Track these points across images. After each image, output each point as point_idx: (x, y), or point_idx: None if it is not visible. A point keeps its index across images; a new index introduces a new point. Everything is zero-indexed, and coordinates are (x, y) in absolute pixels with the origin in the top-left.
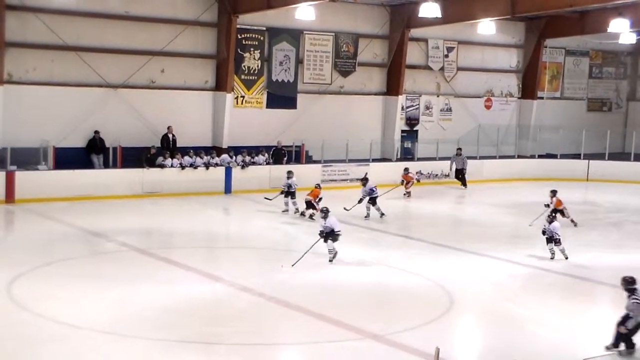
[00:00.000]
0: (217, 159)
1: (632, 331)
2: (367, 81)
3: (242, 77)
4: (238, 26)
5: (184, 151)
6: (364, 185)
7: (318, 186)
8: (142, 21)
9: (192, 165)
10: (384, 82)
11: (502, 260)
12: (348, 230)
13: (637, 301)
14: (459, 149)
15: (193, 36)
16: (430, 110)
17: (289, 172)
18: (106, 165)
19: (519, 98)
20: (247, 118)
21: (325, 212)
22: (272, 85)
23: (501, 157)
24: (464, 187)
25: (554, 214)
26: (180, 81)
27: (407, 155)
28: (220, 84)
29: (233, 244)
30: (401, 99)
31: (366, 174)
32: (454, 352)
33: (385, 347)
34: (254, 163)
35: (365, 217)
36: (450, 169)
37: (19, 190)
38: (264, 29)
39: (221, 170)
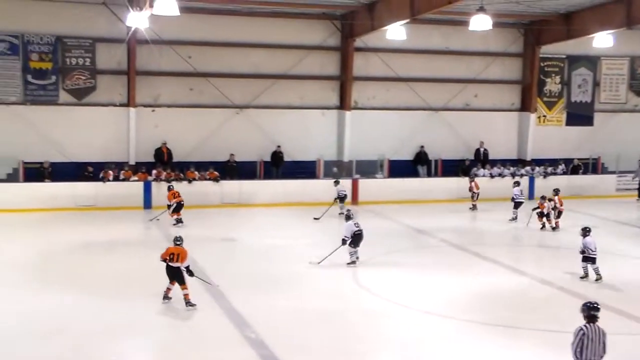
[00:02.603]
0: (522, 170)
1: None
2: None
3: (544, 99)
4: (540, 55)
5: (493, 163)
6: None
7: None
8: (459, 54)
9: (500, 175)
10: None
11: None
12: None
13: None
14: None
15: (502, 65)
16: None
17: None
18: (429, 174)
19: None
20: (548, 134)
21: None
22: (571, 105)
23: None
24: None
25: (587, 229)
26: (490, 104)
27: None
28: (525, 106)
29: (534, 243)
30: None
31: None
32: None
33: None
34: (554, 173)
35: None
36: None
37: (361, 194)
38: (564, 56)
39: (525, 181)
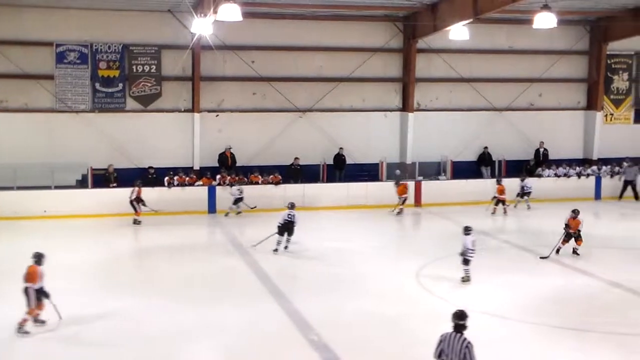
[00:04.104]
0: (588, 170)
1: None
2: None
3: (611, 96)
4: (608, 52)
5: (558, 163)
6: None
7: None
8: (523, 53)
9: (566, 175)
10: None
11: None
12: None
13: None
14: (630, 161)
15: (567, 63)
16: None
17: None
18: (493, 175)
19: None
20: (615, 133)
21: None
22: (639, 103)
23: None
24: (635, 201)
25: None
26: (555, 103)
27: None
28: (591, 104)
29: (603, 244)
30: None
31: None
32: None
33: None
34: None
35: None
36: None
37: (425, 196)
38: (632, 53)
39: (591, 180)
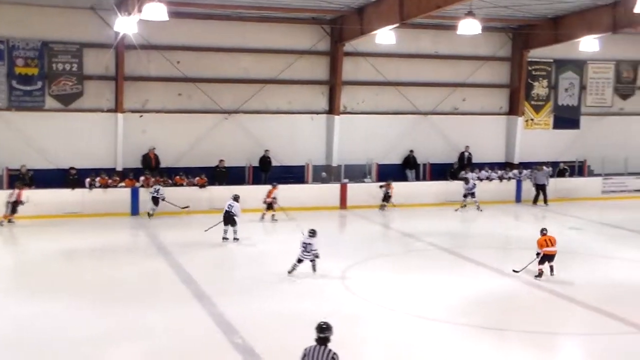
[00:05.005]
0: (510, 173)
1: None
2: None
3: (532, 102)
4: (528, 59)
5: (481, 166)
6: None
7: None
8: (448, 59)
9: (488, 178)
10: None
11: None
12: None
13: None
14: (543, 165)
15: (490, 69)
16: None
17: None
18: (417, 178)
19: None
20: (535, 138)
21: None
22: (558, 109)
23: None
24: (545, 205)
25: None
26: (478, 107)
27: None
28: (513, 109)
29: (522, 245)
30: None
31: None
32: None
33: None
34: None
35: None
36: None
37: (350, 199)
38: (551, 60)
39: (512, 184)
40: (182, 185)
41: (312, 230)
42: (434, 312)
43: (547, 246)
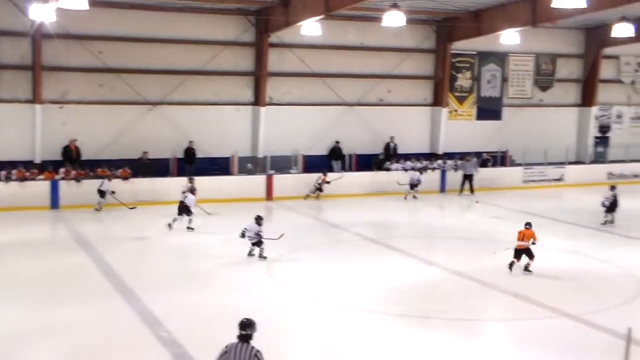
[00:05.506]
0: (434, 164)
1: None
2: (564, 95)
3: (456, 94)
4: (452, 51)
5: (406, 157)
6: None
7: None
8: (373, 50)
9: (413, 169)
10: (578, 95)
11: None
12: (544, 223)
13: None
14: (470, 155)
15: (415, 61)
16: (621, 118)
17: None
18: (343, 169)
19: None
20: (459, 129)
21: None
22: (480, 100)
23: None
24: (471, 194)
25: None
26: (403, 99)
27: (599, 158)
28: (437, 100)
29: (446, 235)
30: (594, 110)
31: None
32: None
33: (576, 325)
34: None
35: None
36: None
37: (276, 190)
38: (475, 53)
39: (437, 174)
40: (105, 177)
41: (259, 216)
42: (360, 301)
43: (518, 239)
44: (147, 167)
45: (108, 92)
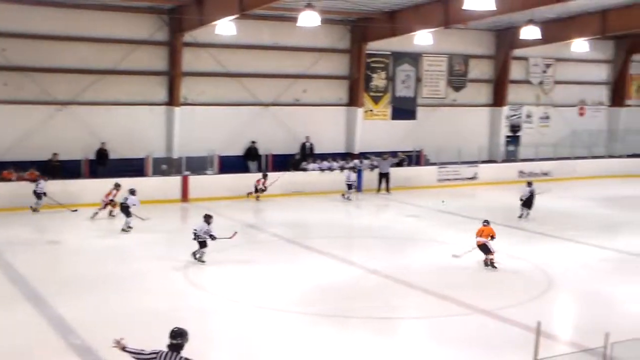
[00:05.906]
0: (350, 163)
1: None
2: (476, 95)
3: (371, 94)
4: (367, 52)
5: (323, 157)
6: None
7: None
8: (289, 50)
9: (330, 169)
10: (490, 95)
11: (595, 247)
12: (458, 221)
13: None
14: (386, 154)
15: (330, 61)
16: (530, 118)
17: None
18: (260, 169)
19: (609, 106)
20: (375, 128)
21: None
22: (395, 100)
23: (593, 157)
24: (387, 193)
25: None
26: (319, 99)
27: (510, 157)
28: (353, 100)
29: (364, 234)
30: (505, 110)
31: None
32: (554, 327)
33: (491, 320)
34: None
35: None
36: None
37: (192, 191)
38: (389, 53)
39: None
40: (10, 180)
41: (208, 215)
42: (277, 302)
43: (477, 236)
44: (56, 168)
45: (13, 91)
